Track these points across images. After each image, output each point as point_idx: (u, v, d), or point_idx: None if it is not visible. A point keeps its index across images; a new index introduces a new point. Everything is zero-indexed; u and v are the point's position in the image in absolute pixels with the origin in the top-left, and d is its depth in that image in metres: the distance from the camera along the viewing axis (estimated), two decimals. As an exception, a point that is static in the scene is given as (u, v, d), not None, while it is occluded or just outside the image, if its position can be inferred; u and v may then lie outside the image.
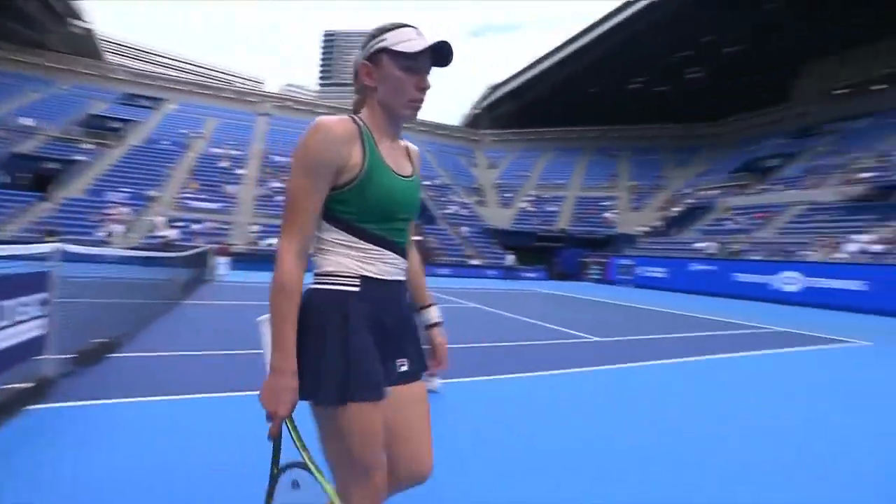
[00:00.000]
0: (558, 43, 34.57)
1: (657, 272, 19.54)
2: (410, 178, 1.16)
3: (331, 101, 56.24)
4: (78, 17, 33.55)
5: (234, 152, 29.22)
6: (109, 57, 47.73)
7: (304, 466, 1.01)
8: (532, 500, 2.06)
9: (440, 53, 1.09)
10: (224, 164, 27.70)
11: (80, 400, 3.00)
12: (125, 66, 39.27)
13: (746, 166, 28.00)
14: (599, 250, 25.13)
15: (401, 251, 1.14)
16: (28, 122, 24.60)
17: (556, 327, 7.58)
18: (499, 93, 43.38)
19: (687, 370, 4.99)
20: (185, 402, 3.14)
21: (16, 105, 26.28)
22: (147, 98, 33.41)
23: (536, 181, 35.00)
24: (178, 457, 2.31)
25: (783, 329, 8.46)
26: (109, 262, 5.22)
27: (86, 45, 35.78)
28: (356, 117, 1.10)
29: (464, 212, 29.80)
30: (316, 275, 1.10)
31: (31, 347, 2.99)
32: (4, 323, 2.65)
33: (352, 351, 1.01)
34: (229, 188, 25.28)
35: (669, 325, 8.65)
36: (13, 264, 2.83)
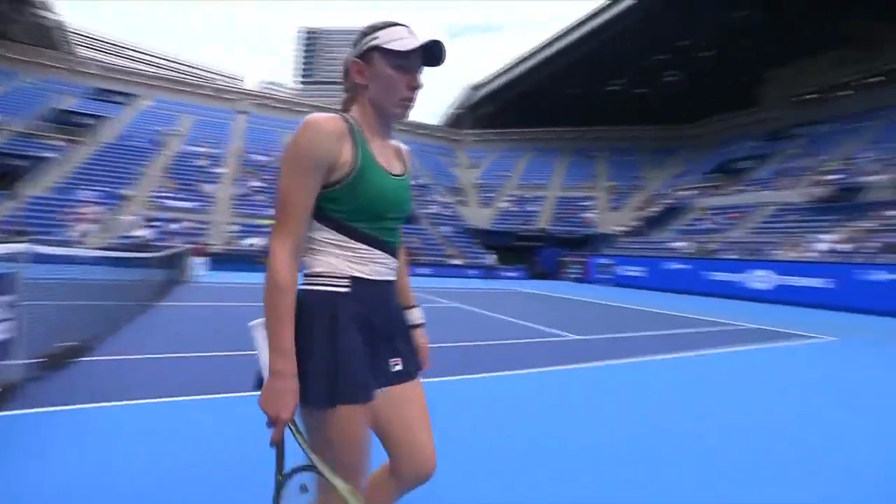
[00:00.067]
0: (538, 44, 34.85)
1: (635, 271, 19.91)
2: (402, 177, 1.16)
3: (311, 99, 55.63)
4: (43, 7, 32.35)
5: (211, 150, 28.66)
6: (79, 50, 46.21)
7: (310, 468, 0.99)
8: (506, 500, 2.09)
9: (432, 53, 1.09)
10: (201, 162, 27.14)
11: (48, 405, 2.91)
12: (96, 60, 38.04)
13: (721, 167, 28.74)
14: (579, 250, 25.47)
15: (391, 251, 1.14)
16: (-10, 116, 23.69)
17: (535, 326, 7.66)
18: (480, 93, 43.54)
19: (663, 367, 5.10)
20: (156, 406, 3.07)
21: (-23, 99, 25.27)
22: (119, 94, 32.47)
23: (517, 181, 35.27)
24: (150, 462, 2.26)
25: (755, 326, 8.72)
26: (80, 262, 5.06)
27: (52, 37, 34.55)
28: (346, 115, 1.09)
29: (445, 211, 29.84)
30: (305, 275, 1.09)
31: (-4, 351, 2.89)
32: (-34, 326, 2.55)
33: (340, 352, 1.01)
34: (207, 187, 24.79)
35: (646, 323, 8.83)
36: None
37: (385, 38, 1.06)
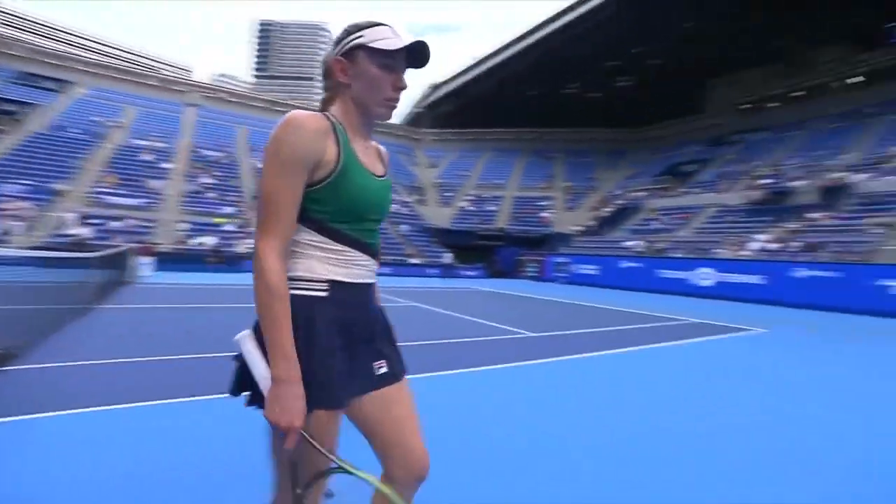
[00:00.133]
0: (498, 46, 35.33)
1: (590, 269, 20.60)
2: (383, 178, 1.15)
3: (266, 93, 53.79)
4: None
5: (158, 144, 27.17)
6: (1, 30, 42.48)
7: (332, 471, 0.98)
8: (456, 499, 2.12)
9: (417, 54, 1.08)
10: (147, 156, 25.69)
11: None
12: (23, 41, 35.06)
13: (669, 170, 30.21)
14: (536, 249, 26.05)
15: (372, 253, 1.12)
16: None
17: (492, 324, 7.78)
18: (440, 92, 43.64)
19: (615, 361, 5.33)
20: (90, 416, 2.90)
21: None
22: (51, 79, 30.07)
23: (476, 181, 35.62)
24: (91, 472, 2.14)
25: (698, 320, 9.25)
26: (5, 263, 4.68)
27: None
28: (327, 114, 1.06)
29: (404, 210, 29.71)
30: None
31: None
32: None
33: (316, 357, 0.99)
34: (154, 183, 23.49)
35: (600, 319, 9.17)
36: None
37: (370, 37, 1.04)
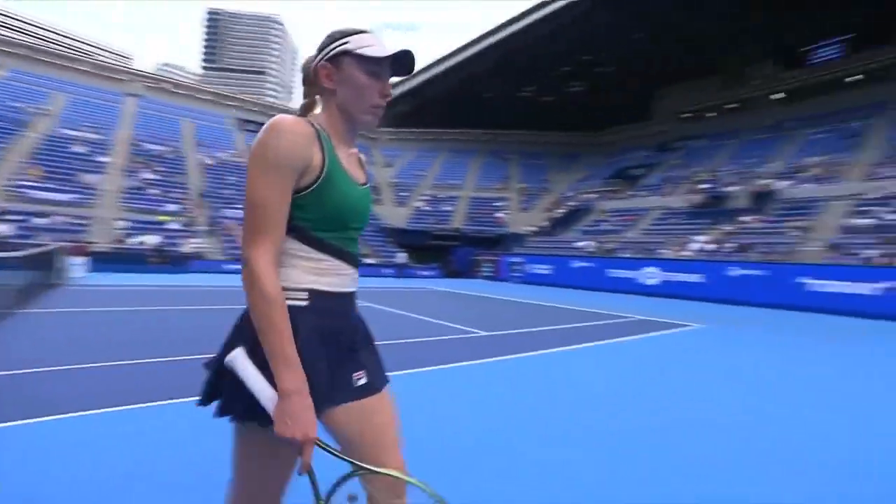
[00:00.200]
0: (456, 47, 35.57)
1: (543, 269, 21.15)
2: (365, 186, 1.14)
3: (215, 86, 51.36)
4: None
5: (93, 136, 25.36)
6: None
7: (355, 473, 0.96)
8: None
9: (402, 63, 1.08)
10: (80, 148, 23.91)
11: None
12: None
13: (618, 173, 31.55)
14: (491, 249, 26.46)
15: (354, 262, 1.12)
16: None
17: (446, 324, 7.84)
18: (397, 91, 43.35)
19: (568, 358, 5.51)
20: (14, 430, 2.69)
21: None
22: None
23: (432, 181, 35.71)
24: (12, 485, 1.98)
25: (644, 318, 9.73)
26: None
27: None
28: (310, 120, 1.04)
29: (361, 209, 29.31)
30: None
31: None
32: None
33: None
34: (88, 177, 21.90)
35: (553, 318, 9.45)
36: None
37: (357, 44, 1.04)
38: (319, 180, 1.00)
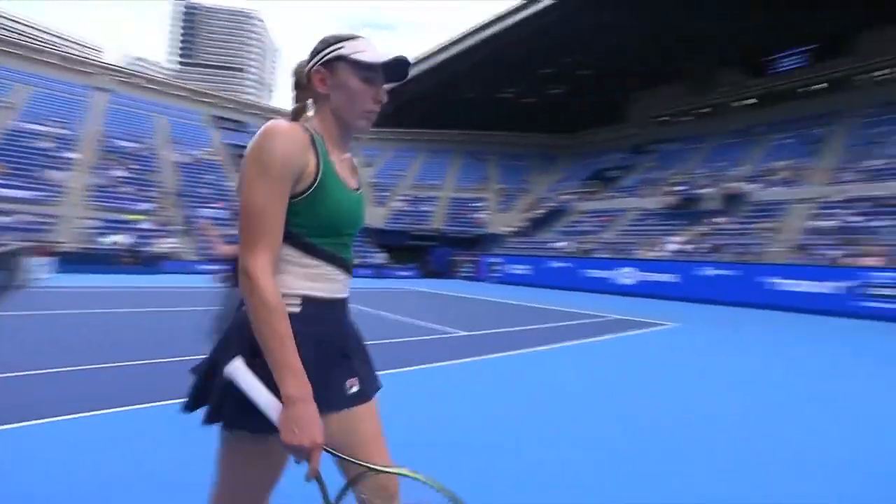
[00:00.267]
0: (436, 47, 35.55)
1: (522, 269, 21.35)
2: (358, 192, 1.13)
3: (191, 82, 50.07)
4: None
5: (59, 131, 24.46)
6: None
7: (362, 477, 0.96)
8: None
9: (396, 69, 1.08)
10: (45, 143, 23.02)
11: None
12: None
13: (596, 175, 32.06)
14: (470, 249, 26.56)
15: (347, 268, 1.11)
16: None
17: (425, 324, 7.85)
18: (377, 90, 43.03)
19: (546, 357, 5.59)
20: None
21: None
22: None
23: (411, 181, 35.64)
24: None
25: (621, 317, 9.93)
26: None
27: None
28: (304, 125, 1.03)
29: (339, 209, 29.05)
30: None
31: None
32: None
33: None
34: (54, 174, 21.10)
35: (531, 317, 9.56)
36: None
37: (351, 49, 1.04)
38: (314, 187, 0.99)
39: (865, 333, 8.83)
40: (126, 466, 2.30)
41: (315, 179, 0.99)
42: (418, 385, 4.15)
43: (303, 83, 1.10)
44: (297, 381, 0.89)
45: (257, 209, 0.93)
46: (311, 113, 1.12)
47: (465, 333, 7.05)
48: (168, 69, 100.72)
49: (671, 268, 15.96)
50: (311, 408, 0.90)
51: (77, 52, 48.45)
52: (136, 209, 21.29)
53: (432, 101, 40.40)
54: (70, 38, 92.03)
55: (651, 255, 18.05)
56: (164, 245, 19.60)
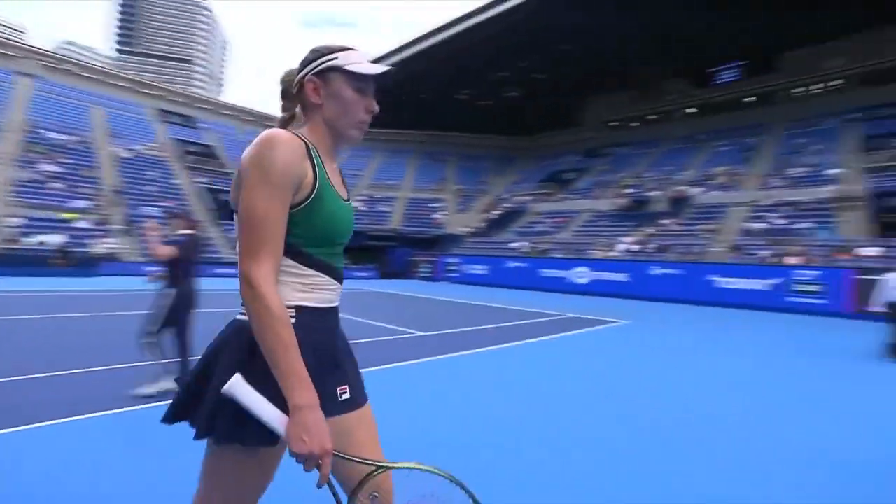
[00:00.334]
0: (394, 46, 35.32)
1: (479, 269, 21.56)
2: (348, 202, 1.14)
3: (133, 72, 46.97)
4: None
5: (-23, 120, 22.33)
6: None
7: (372, 475, 0.98)
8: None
9: (381, 80, 1.12)
10: (-39, 134, 20.96)
11: None
12: None
13: (551, 177, 32.90)
14: (429, 249, 26.54)
15: (340, 277, 1.12)
16: None
17: (382, 324, 7.76)
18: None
19: (500, 356, 5.64)
20: None
21: None
22: None
23: (369, 181, 35.24)
24: None
25: (575, 315, 10.22)
26: None
27: None
28: (299, 135, 1.02)
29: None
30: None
31: None
32: None
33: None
34: (-30, 167, 19.24)
35: (487, 317, 9.65)
36: None
37: (345, 61, 1.06)
38: (312, 197, 0.99)
39: (793, 327, 9.53)
40: (71, 481, 2.11)
41: (313, 189, 1.00)
42: (375, 386, 4.07)
43: (291, 93, 1.12)
44: (305, 388, 0.89)
45: (259, 218, 0.93)
46: (298, 123, 1.13)
47: (422, 333, 7.02)
48: (106, 57, 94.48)
49: (623, 267, 16.60)
50: (319, 415, 0.90)
51: None
52: (69, 207, 19.78)
53: (390, 100, 39.98)
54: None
55: (604, 255, 18.71)
56: (103, 245, 18.34)
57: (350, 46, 1.11)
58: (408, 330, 7.24)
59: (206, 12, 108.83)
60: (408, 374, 4.58)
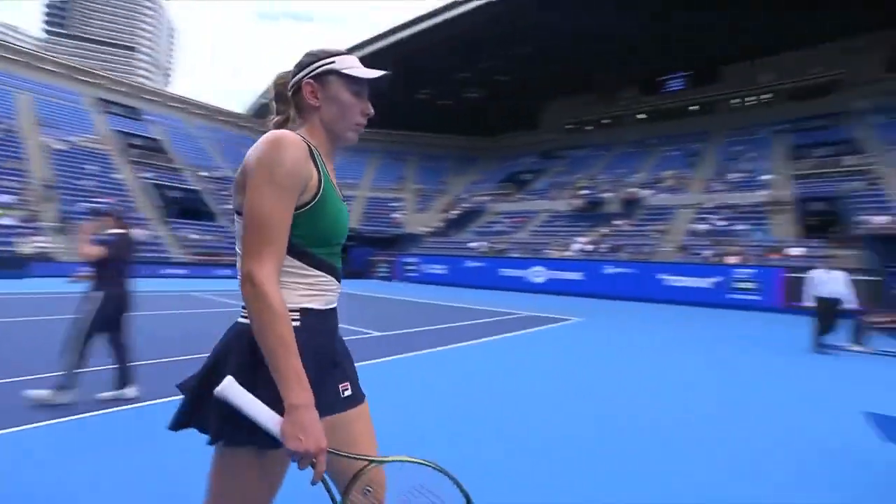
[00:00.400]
0: (354, 43, 34.76)
1: (438, 269, 21.60)
2: (345, 202, 1.15)
3: (59, 55, 43.46)
4: None
5: None
6: None
7: (365, 470, 1.00)
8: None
9: (376, 84, 1.15)
10: None
11: None
12: None
13: (509, 178, 33.46)
14: (388, 249, 26.33)
15: (339, 276, 1.14)
16: None
17: (340, 325, 7.60)
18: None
19: (458, 355, 5.66)
20: None
21: None
22: None
23: (330, 179, 34.56)
24: None
25: (532, 313, 10.42)
26: None
27: None
28: (302, 136, 1.04)
29: (249, 207, 27.20)
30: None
31: None
32: None
33: None
34: None
35: (446, 316, 9.67)
36: None
37: (342, 64, 1.09)
38: (317, 198, 1.01)
39: (731, 320, 10.15)
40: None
41: (318, 191, 1.01)
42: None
43: (285, 95, 1.14)
44: (301, 388, 0.90)
45: (265, 218, 0.94)
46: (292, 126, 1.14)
47: (379, 334, 6.94)
48: (33, 38, 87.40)
49: (578, 266, 17.11)
50: (314, 414, 0.91)
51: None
52: (5, 203, 18.16)
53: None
54: None
55: (560, 254, 19.22)
56: (32, 244, 16.96)
57: (345, 51, 1.14)
58: (365, 330, 7.14)
59: (148, 2, 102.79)
60: (364, 375, 4.50)
